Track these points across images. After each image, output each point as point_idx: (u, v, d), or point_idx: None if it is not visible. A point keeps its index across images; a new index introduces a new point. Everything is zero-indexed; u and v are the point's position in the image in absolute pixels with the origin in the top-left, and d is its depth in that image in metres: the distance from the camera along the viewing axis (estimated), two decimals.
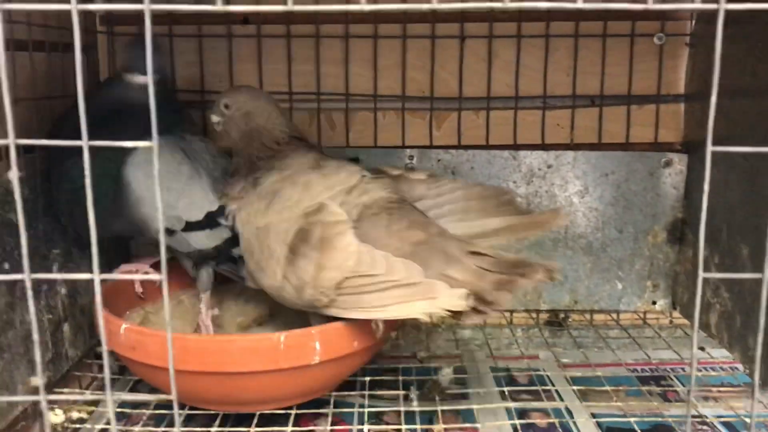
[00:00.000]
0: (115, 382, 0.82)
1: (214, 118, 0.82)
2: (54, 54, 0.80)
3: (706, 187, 0.42)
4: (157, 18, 0.93)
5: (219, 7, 0.38)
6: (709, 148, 0.40)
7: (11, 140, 0.39)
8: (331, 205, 0.71)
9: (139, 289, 0.86)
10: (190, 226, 0.80)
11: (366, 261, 0.66)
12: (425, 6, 0.37)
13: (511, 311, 1.01)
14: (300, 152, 0.78)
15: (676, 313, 1.01)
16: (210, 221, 0.80)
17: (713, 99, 0.39)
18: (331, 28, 0.96)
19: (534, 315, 1.02)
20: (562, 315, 1.02)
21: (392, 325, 0.75)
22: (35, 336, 0.40)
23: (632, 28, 0.96)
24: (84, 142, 0.40)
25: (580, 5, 0.37)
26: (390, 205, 0.71)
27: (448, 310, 0.62)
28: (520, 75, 0.97)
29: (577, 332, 0.99)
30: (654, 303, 1.02)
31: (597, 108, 0.98)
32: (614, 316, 1.02)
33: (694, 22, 0.96)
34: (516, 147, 0.99)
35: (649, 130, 0.99)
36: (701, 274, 0.42)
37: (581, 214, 0.99)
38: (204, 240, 0.81)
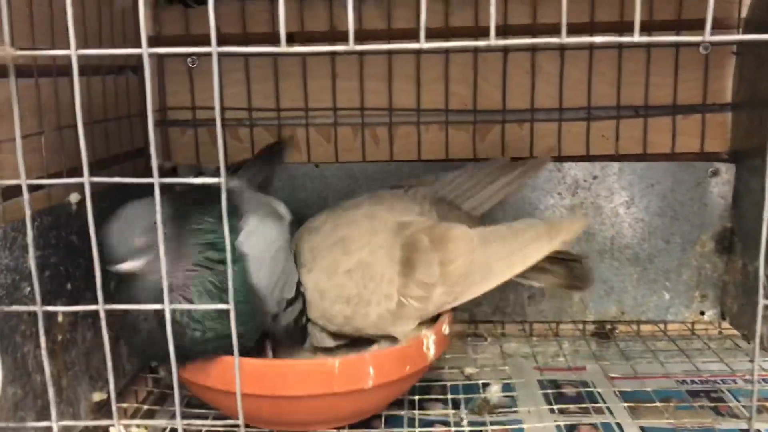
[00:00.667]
0: (167, 397, 0.84)
1: None
2: (108, 76, 0.83)
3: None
4: (204, 38, 0.95)
5: (283, 48, 0.39)
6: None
7: (23, 181, 0.41)
8: (413, 216, 0.77)
9: None
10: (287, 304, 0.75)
11: (489, 237, 0.73)
12: (413, 45, 0.38)
13: (557, 322, 1.01)
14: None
15: (725, 324, 1.00)
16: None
17: None
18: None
19: (580, 326, 1.01)
20: (608, 326, 1.01)
21: (443, 345, 0.76)
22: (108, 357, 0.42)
23: (677, 35, 0.95)
24: (155, 180, 0.41)
25: (564, 40, 0.37)
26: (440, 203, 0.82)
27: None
28: (564, 86, 0.97)
29: (625, 344, 0.98)
30: (702, 313, 1.01)
31: (642, 118, 0.98)
32: (662, 326, 1.01)
33: (741, 30, 0.95)
34: (560, 159, 0.98)
35: (695, 139, 0.98)
36: (761, 301, 0.42)
37: (627, 224, 0.99)
38: (289, 317, 0.75)
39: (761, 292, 0.41)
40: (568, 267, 0.81)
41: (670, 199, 0.98)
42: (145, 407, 0.80)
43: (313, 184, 0.99)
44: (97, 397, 0.74)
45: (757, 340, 0.42)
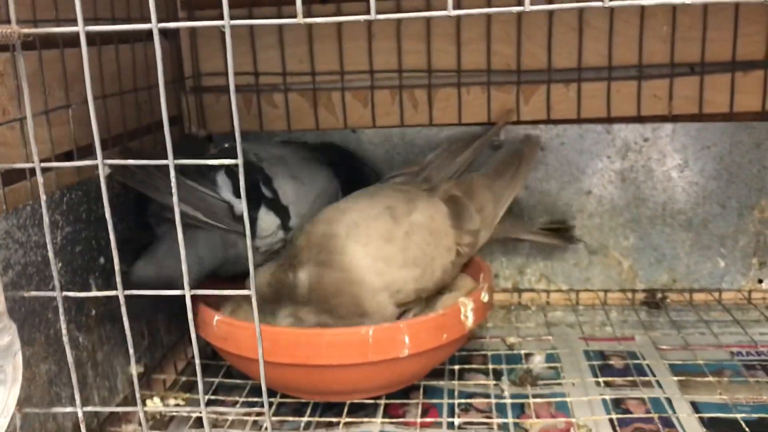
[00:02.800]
0: (207, 368, 0.84)
1: None
2: (137, 44, 0.81)
3: None
4: (238, 1, 0.93)
5: (299, 19, 0.36)
6: None
7: (36, 164, 0.39)
8: (434, 185, 0.84)
9: None
10: None
11: (493, 177, 0.87)
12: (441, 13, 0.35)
13: (605, 291, 0.98)
14: None
15: None
16: None
17: None
18: (412, 4, 0.92)
19: (630, 295, 0.97)
20: (659, 295, 0.97)
21: (482, 313, 0.74)
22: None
23: None
24: (170, 161, 0.39)
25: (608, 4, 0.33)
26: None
27: None
28: (614, 44, 0.91)
29: (676, 313, 0.94)
30: (760, 281, 0.96)
31: (697, 76, 0.92)
32: (716, 295, 0.96)
33: None
34: (610, 120, 0.93)
35: (756, 98, 0.92)
36: None
37: (680, 189, 0.94)
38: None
39: None
40: (558, 233, 0.95)
41: (727, 162, 0.92)
42: (183, 379, 0.80)
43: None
44: (135, 369, 0.73)
45: None
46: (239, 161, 0.38)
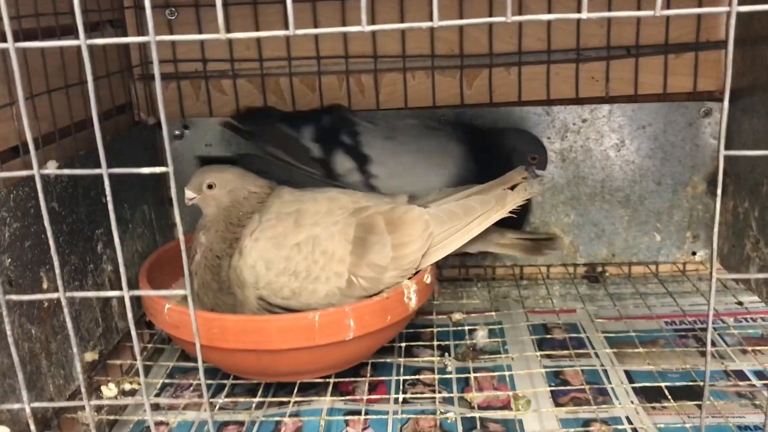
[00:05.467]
0: (162, 352, 0.86)
1: (189, 195, 0.79)
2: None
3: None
4: None
5: None
6: (722, 152, 0.39)
7: (36, 171, 0.41)
8: (371, 202, 0.78)
9: None
10: None
11: (442, 218, 0.76)
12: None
13: (548, 266, 1.02)
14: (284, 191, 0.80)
15: (717, 264, 1.00)
16: None
17: (725, 104, 0.38)
18: None
19: (571, 269, 1.02)
20: (599, 269, 1.02)
21: (426, 293, 0.77)
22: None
23: None
24: (104, 171, 0.41)
25: (583, 15, 0.36)
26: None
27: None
28: (552, 28, 0.94)
29: (615, 286, 0.99)
30: (694, 254, 1.01)
31: (633, 58, 0.95)
32: (653, 268, 1.01)
33: None
34: (549, 102, 0.97)
35: (688, 79, 0.96)
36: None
37: (618, 167, 0.98)
38: None
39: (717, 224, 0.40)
40: (535, 242, 0.86)
41: (662, 141, 0.96)
42: (138, 363, 0.82)
43: None
44: (89, 357, 0.76)
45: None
46: (169, 169, 0.40)
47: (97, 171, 0.40)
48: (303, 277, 0.73)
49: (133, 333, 0.44)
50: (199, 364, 0.43)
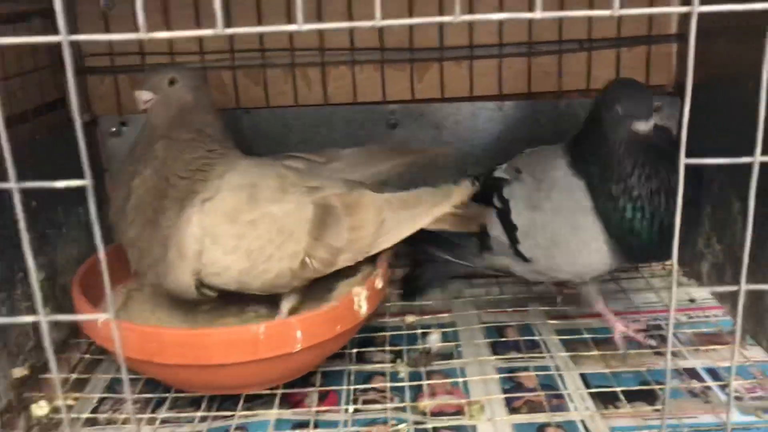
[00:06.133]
0: (101, 363, 0.81)
1: (146, 95, 0.72)
2: (6, 26, 0.77)
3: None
4: None
5: None
6: (683, 160, 0.37)
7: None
8: (326, 184, 0.74)
9: None
10: None
11: (394, 204, 0.75)
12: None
13: None
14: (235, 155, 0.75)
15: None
16: None
17: (684, 117, 0.36)
18: None
19: None
20: None
21: (377, 299, 0.74)
22: None
23: None
24: (14, 185, 0.37)
25: (537, 15, 0.34)
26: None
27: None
28: (504, 21, 0.92)
29: None
30: None
31: (585, 52, 0.94)
32: None
33: None
34: (502, 97, 0.95)
35: (640, 72, 0.95)
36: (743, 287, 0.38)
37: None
38: None
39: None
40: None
41: None
42: (74, 377, 0.78)
43: (244, 131, 0.94)
44: (18, 373, 0.71)
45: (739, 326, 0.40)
46: (86, 183, 0.36)
47: (5, 185, 0.36)
48: (255, 257, 0.69)
49: (52, 364, 0.40)
50: (126, 386, 0.40)
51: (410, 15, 0.91)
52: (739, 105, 0.73)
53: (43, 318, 0.39)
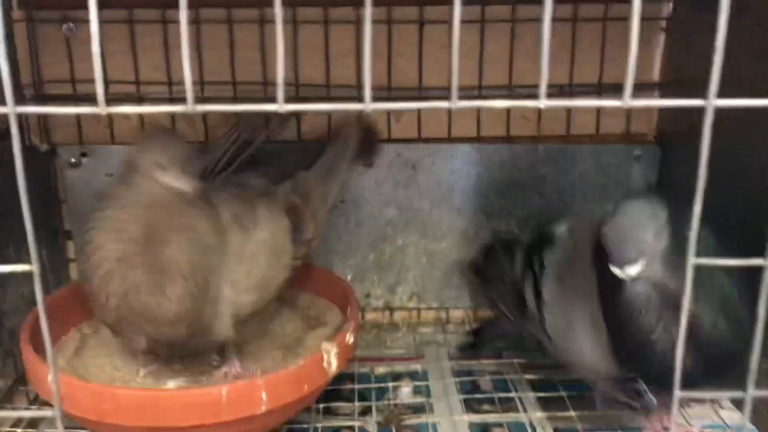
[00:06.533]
0: (45, 419, 0.76)
1: None
2: None
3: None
4: (83, 2, 0.83)
5: None
6: (691, 261, 0.34)
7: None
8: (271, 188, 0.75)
9: None
10: None
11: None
12: None
13: (475, 309, 0.97)
14: None
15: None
16: None
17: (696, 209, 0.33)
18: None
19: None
20: None
21: (347, 355, 0.70)
22: None
23: (605, 11, 0.88)
24: None
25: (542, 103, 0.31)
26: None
27: None
28: (484, 63, 0.89)
29: None
30: None
31: (566, 98, 0.92)
32: None
33: (671, 4, 0.89)
34: (480, 140, 0.92)
35: (621, 121, 0.93)
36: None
37: (547, 208, 0.94)
38: None
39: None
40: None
41: (593, 183, 0.93)
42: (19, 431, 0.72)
43: None
44: None
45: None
46: (33, 268, 0.32)
47: None
48: (263, 286, 0.69)
49: None
50: None
51: (389, 55, 0.89)
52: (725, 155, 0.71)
53: None
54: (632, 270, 0.53)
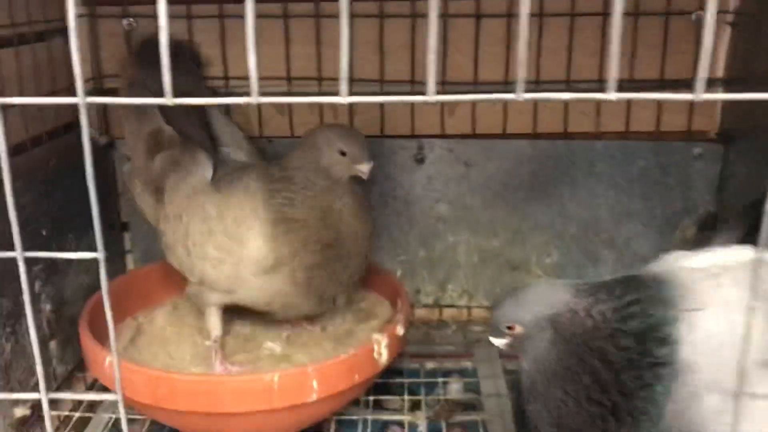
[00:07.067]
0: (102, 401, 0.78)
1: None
2: (23, 47, 0.74)
3: None
4: None
5: None
6: None
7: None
8: None
9: None
10: None
11: None
12: None
13: None
14: None
15: None
16: None
17: None
18: (331, 6, 0.86)
19: None
20: None
21: (398, 347, 0.70)
22: None
23: (668, 4, 0.86)
24: (18, 254, 0.34)
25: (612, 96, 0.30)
26: None
27: None
28: (542, 57, 0.88)
29: None
30: None
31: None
32: None
33: None
34: (536, 136, 0.91)
35: (683, 117, 0.90)
36: None
37: (604, 207, 0.92)
38: None
39: None
40: None
41: (652, 181, 0.91)
42: (77, 415, 0.74)
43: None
44: (19, 412, 0.67)
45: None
46: (99, 255, 0.33)
47: (10, 254, 0.33)
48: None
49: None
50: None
51: (445, 49, 0.88)
52: None
53: (44, 396, 0.35)
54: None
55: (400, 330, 0.70)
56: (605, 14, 0.86)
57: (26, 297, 0.33)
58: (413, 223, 0.93)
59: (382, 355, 0.68)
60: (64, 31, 0.81)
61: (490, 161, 0.91)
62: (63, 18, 0.83)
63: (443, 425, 0.73)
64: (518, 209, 0.92)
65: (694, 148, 0.89)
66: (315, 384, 0.63)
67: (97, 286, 0.80)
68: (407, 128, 0.91)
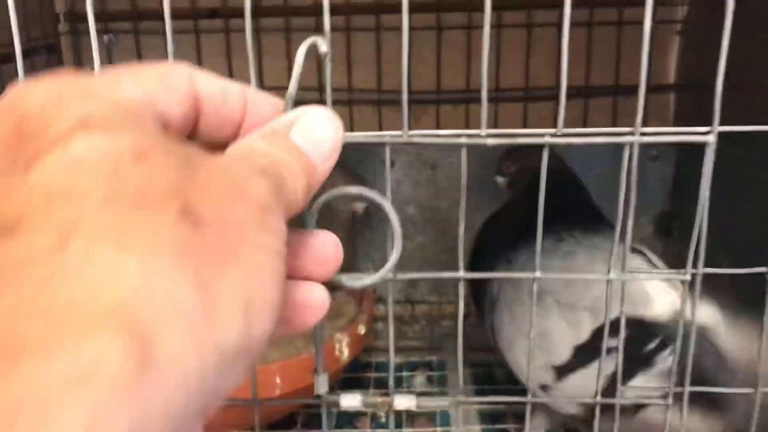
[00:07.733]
0: None
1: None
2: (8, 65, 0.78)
3: None
4: (122, 15, 0.90)
5: None
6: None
7: None
8: None
9: None
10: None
11: None
12: None
13: None
14: None
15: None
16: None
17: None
18: (302, 21, 0.91)
19: None
20: None
21: (358, 346, 0.75)
22: None
23: (619, 15, 0.90)
24: None
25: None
26: None
27: None
28: (501, 67, 0.92)
29: None
30: None
31: (582, 100, 0.94)
32: None
33: (686, 8, 0.90)
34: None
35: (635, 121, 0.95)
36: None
37: None
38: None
39: None
40: None
41: (609, 183, 0.95)
42: None
43: None
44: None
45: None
46: None
47: None
48: None
49: None
50: None
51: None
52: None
53: None
54: None
55: (361, 329, 0.75)
56: (560, 25, 0.90)
57: None
58: (385, 224, 0.97)
59: (343, 353, 0.72)
60: (48, 47, 0.86)
61: (454, 166, 0.95)
62: (45, 36, 0.89)
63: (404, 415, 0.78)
64: (480, 210, 0.96)
65: (650, 149, 0.94)
66: (278, 380, 0.67)
67: None
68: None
